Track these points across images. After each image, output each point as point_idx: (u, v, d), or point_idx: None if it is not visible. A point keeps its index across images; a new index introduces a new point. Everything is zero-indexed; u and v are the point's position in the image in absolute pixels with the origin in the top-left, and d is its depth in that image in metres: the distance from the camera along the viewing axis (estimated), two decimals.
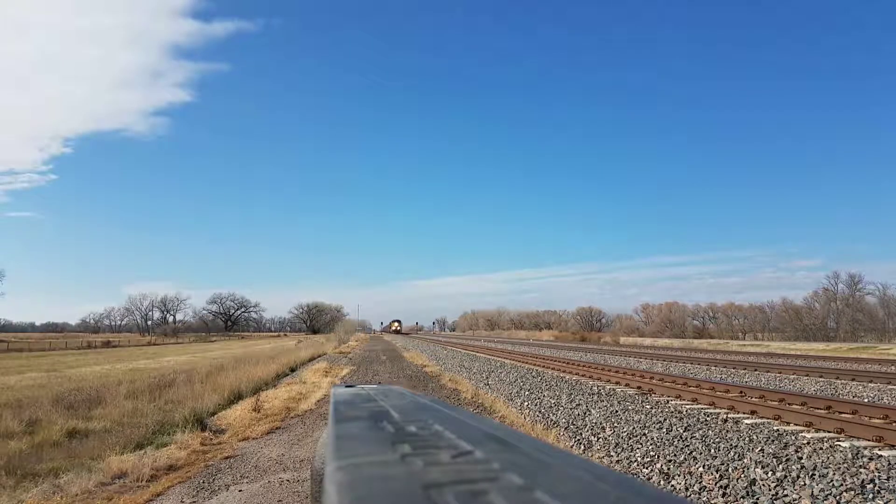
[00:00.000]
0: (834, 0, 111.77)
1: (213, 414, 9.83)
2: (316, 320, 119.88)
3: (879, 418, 6.93)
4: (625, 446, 6.34)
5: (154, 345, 66.98)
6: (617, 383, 11.79)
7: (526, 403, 9.83)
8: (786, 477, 4.76)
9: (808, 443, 5.88)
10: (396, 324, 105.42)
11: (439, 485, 0.42)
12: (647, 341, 53.58)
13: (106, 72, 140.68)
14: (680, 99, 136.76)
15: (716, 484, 4.80)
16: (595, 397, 9.80)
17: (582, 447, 6.65)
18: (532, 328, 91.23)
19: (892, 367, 16.59)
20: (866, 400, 9.36)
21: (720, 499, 4.53)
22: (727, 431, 6.61)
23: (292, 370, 20.27)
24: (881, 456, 5.25)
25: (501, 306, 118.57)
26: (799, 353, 27.88)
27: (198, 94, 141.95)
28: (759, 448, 5.69)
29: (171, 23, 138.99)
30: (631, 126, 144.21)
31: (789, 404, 8.15)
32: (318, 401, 10.31)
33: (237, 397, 12.11)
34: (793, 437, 6.19)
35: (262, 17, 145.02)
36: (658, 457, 5.77)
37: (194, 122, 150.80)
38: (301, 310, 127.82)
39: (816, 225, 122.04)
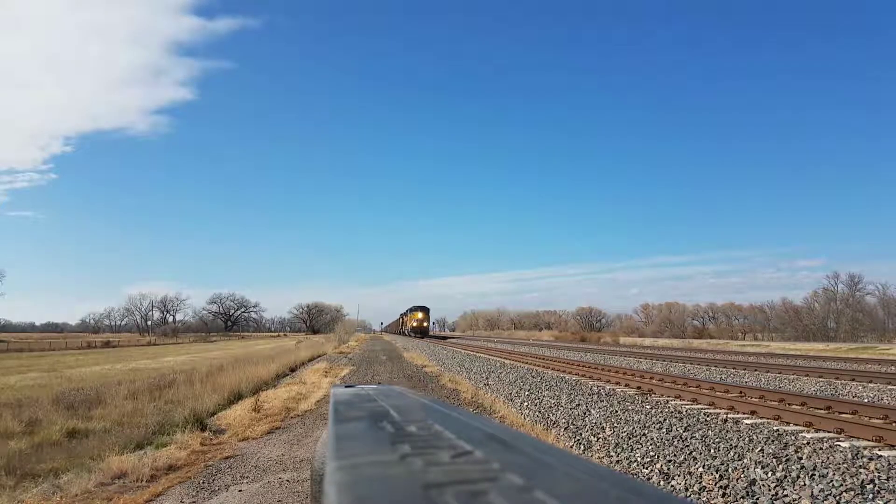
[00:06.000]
0: (835, 0, 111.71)
1: (213, 414, 9.83)
2: (316, 320, 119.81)
3: (879, 418, 6.93)
4: (625, 446, 6.34)
5: (154, 345, 66.99)
6: (617, 383, 11.78)
7: (526, 404, 9.83)
8: (786, 477, 4.76)
9: (808, 443, 5.88)
10: (420, 314, 58.19)
11: (439, 485, 0.42)
12: (647, 341, 53.60)
13: (107, 70, 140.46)
14: (680, 99, 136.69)
15: (716, 484, 4.80)
16: (595, 397, 9.80)
17: (582, 447, 6.65)
18: (532, 328, 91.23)
19: (892, 368, 16.59)
20: (866, 400, 9.36)
21: (720, 499, 4.53)
22: (727, 431, 6.61)
23: (292, 370, 20.26)
24: (881, 456, 5.25)
25: (501, 306, 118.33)
26: (799, 353, 27.88)
27: (200, 92, 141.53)
28: (759, 448, 5.69)
29: (173, 20, 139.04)
30: (631, 126, 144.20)
31: (789, 404, 8.15)
32: (318, 401, 10.31)
33: (237, 397, 12.10)
34: (793, 438, 6.19)
35: (266, 15, 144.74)
36: (658, 457, 5.77)
37: (196, 121, 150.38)
38: (301, 310, 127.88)
39: (818, 225, 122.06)
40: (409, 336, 57.01)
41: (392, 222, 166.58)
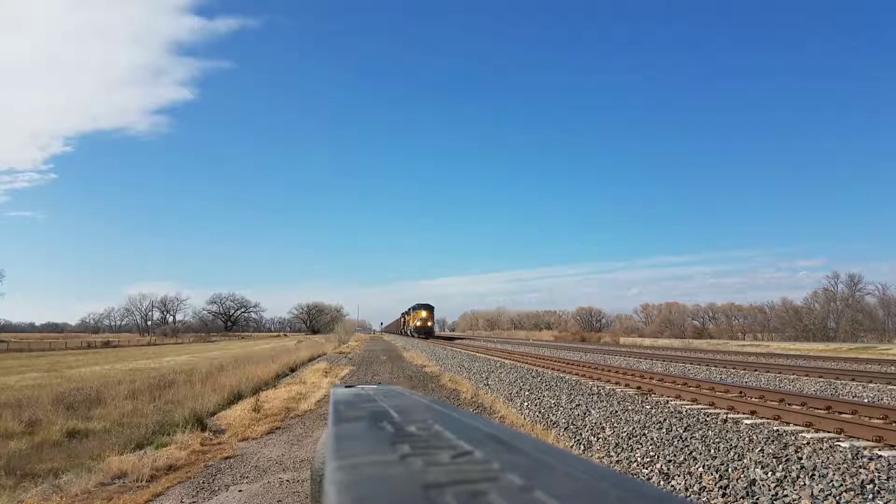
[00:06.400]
0: (835, 0, 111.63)
1: (213, 414, 9.84)
2: (316, 320, 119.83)
3: (879, 418, 6.93)
4: (624, 446, 6.34)
5: (154, 345, 67.02)
6: (617, 383, 11.78)
7: (526, 404, 9.83)
8: (786, 477, 4.76)
9: (808, 443, 5.88)
10: (424, 313, 53.51)
11: (439, 485, 0.42)
12: (647, 341, 53.60)
13: (107, 70, 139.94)
14: (680, 99, 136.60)
15: (715, 484, 4.80)
16: (595, 397, 9.80)
17: (582, 447, 6.65)
18: (532, 328, 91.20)
19: (892, 368, 16.59)
20: (866, 400, 9.35)
21: (720, 499, 4.53)
22: (727, 431, 6.61)
23: (292, 370, 20.28)
24: (881, 456, 5.25)
25: (501, 306, 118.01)
26: (799, 353, 27.89)
27: (200, 92, 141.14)
28: (759, 448, 5.69)
29: (172, 19, 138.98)
30: (631, 126, 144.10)
31: (789, 404, 8.15)
32: (318, 401, 10.31)
33: (237, 397, 12.12)
34: (793, 438, 6.19)
35: (266, 14, 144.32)
36: (658, 457, 5.77)
37: (196, 121, 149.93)
38: (301, 310, 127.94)
39: (818, 225, 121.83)
40: (412, 337, 52.89)
41: (392, 222, 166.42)
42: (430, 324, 54.14)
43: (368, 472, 0.46)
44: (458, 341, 46.09)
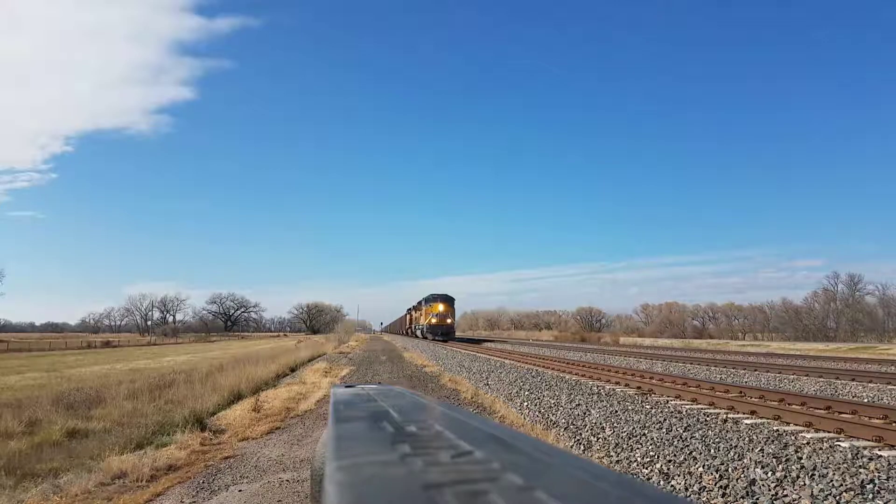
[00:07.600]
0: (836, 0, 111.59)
1: (213, 414, 9.84)
2: (316, 320, 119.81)
3: (879, 418, 6.93)
4: (624, 446, 6.34)
5: (154, 345, 67.04)
6: (617, 383, 11.78)
7: (526, 403, 9.82)
8: (785, 477, 4.76)
9: (808, 443, 5.88)
10: (442, 306, 40.35)
11: (439, 485, 0.42)
12: (647, 341, 53.59)
13: (107, 69, 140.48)
14: (679, 99, 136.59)
15: (715, 484, 4.80)
16: (595, 397, 9.79)
17: (582, 447, 6.65)
18: (532, 328, 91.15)
19: (892, 368, 16.60)
20: (866, 400, 9.36)
21: (720, 499, 4.53)
22: (727, 431, 6.61)
23: (292, 370, 20.28)
24: (881, 456, 5.25)
25: (501, 306, 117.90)
26: (799, 353, 27.89)
27: (201, 91, 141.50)
28: (759, 448, 5.69)
29: (173, 19, 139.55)
30: (631, 126, 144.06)
31: (789, 404, 8.16)
32: (318, 401, 10.31)
33: (237, 397, 12.12)
34: (792, 438, 6.19)
35: (267, 14, 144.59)
36: (658, 457, 5.77)
37: (197, 121, 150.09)
38: (301, 310, 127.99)
39: (818, 225, 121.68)
40: (425, 338, 40.31)
41: (392, 222, 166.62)
42: (449, 321, 40.58)
43: (368, 472, 0.46)
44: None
